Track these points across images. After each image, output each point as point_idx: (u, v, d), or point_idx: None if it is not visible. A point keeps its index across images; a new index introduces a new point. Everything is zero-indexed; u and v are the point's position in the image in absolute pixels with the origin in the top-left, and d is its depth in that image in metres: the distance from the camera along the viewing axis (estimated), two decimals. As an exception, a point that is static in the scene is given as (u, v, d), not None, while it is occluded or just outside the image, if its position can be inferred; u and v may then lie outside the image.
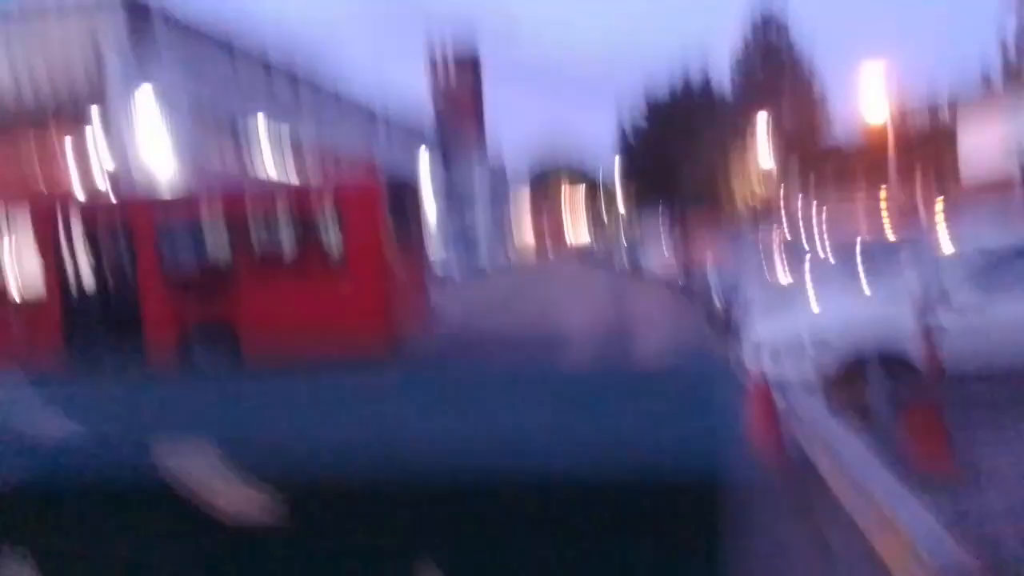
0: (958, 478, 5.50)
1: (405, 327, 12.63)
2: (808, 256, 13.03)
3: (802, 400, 5.75)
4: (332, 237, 12.26)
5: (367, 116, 46.48)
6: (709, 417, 1.73)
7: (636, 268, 32.47)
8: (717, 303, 11.92)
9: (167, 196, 15.48)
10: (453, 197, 59.38)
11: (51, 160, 30.21)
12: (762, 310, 9.38)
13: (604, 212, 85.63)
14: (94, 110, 23.91)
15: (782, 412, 5.55)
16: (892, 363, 6.43)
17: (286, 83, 36.24)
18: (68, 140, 26.72)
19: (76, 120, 24.77)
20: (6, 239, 12.80)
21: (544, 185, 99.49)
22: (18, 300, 12.42)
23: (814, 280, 10.33)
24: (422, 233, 14.37)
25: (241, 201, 13.03)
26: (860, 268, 9.88)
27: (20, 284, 12.56)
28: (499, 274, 44.57)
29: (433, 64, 62.33)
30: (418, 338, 13.72)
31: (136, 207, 13.27)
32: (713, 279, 14.34)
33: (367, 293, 11.70)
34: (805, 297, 9.27)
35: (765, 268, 13.85)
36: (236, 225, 12.13)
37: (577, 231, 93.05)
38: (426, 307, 14.01)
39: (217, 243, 12.37)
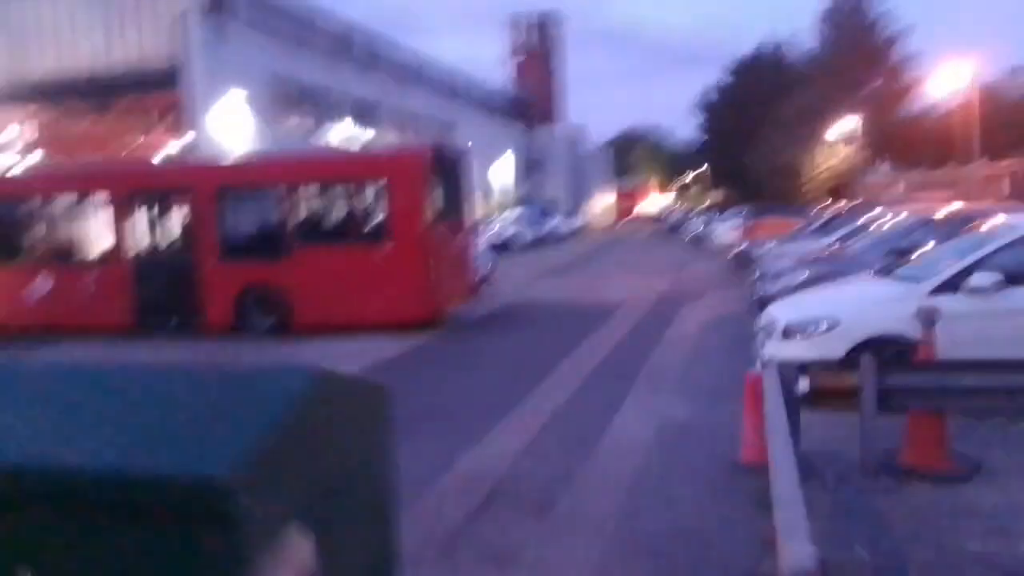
0: (956, 475, 5.42)
1: (448, 295, 12.94)
2: (862, 232, 12.64)
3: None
4: (376, 206, 12.62)
5: (445, 82, 46.77)
6: (232, 426, 1.78)
7: (702, 239, 31.87)
8: (758, 279, 11.73)
9: (228, 163, 16.16)
10: (529, 162, 59.32)
11: (131, 130, 31.88)
12: (793, 289, 9.23)
13: (681, 180, 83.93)
14: (173, 81, 24.90)
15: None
16: (897, 350, 6.31)
17: (363, 52, 36.77)
18: (148, 110, 28.10)
19: (156, 91, 25.90)
20: (84, 206, 13.75)
21: (623, 150, 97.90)
22: (94, 263, 13.35)
23: (856, 258, 10.07)
24: (469, 203, 14.57)
25: (294, 169, 13.55)
26: (902, 246, 9.59)
27: (96, 248, 13.50)
28: (567, 241, 44.45)
29: (513, 25, 61.80)
30: (463, 306, 14.07)
31: (197, 174, 13.97)
32: (768, 253, 14.06)
33: (408, 262, 12.05)
34: (840, 276, 9.07)
35: (821, 245, 13.52)
36: (289, 192, 12.62)
37: (654, 198, 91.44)
38: (471, 276, 14.26)
39: (271, 210, 12.93)
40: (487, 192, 50.93)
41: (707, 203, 50.95)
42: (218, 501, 1.64)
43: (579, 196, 64.60)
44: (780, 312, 7.70)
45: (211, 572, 1.67)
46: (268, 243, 12.74)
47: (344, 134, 32.78)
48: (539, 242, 38.62)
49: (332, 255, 12.44)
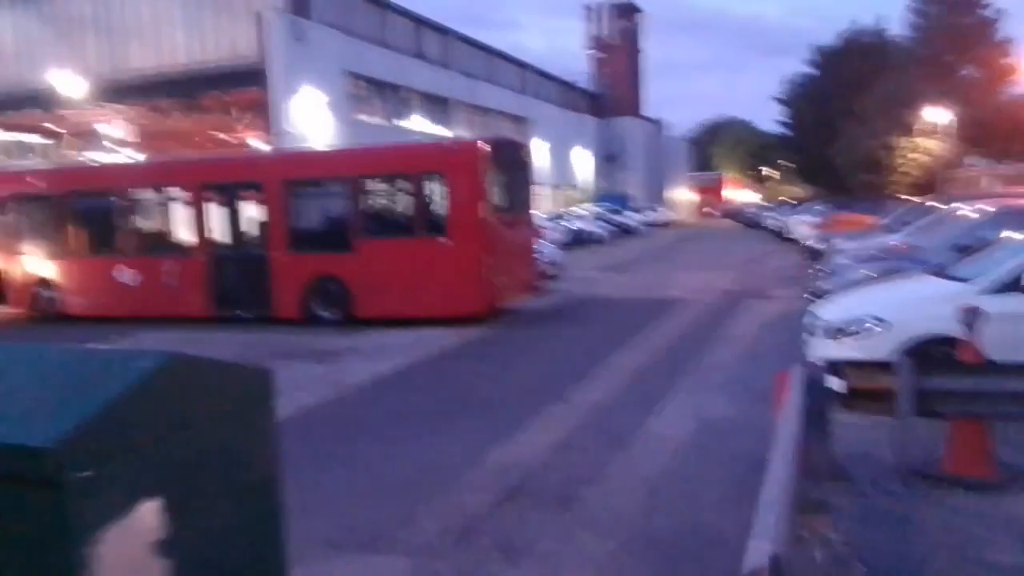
0: (997, 483, 5.18)
1: (507, 289, 13.05)
2: (933, 228, 12.07)
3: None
4: (434, 199, 12.82)
5: (519, 76, 46.85)
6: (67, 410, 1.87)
7: (779, 233, 30.97)
8: (817, 275, 11.37)
9: (295, 157, 16.70)
10: (607, 155, 58.83)
11: (218, 126, 33.21)
12: (848, 287, 8.92)
13: (766, 169, 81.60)
14: (256, 78, 25.81)
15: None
16: (946, 351, 6.04)
17: (436, 48, 37.22)
18: (233, 106, 29.24)
19: (241, 88, 26.91)
20: (164, 199, 14.48)
21: (705, 143, 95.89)
22: (174, 255, 14.04)
23: (917, 255, 9.66)
24: (530, 196, 14.63)
25: (355, 162, 13.91)
26: (966, 243, 9.15)
27: (176, 240, 14.20)
28: (647, 233, 43.94)
29: (589, 12, 61.22)
30: (524, 299, 14.16)
31: (267, 167, 14.49)
32: (833, 249, 13.61)
33: (464, 255, 12.20)
34: (897, 273, 8.73)
35: (886, 241, 13.00)
36: (351, 185, 12.97)
37: (738, 188, 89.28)
38: (532, 269, 14.33)
39: (335, 202, 13.32)
40: (563, 186, 50.84)
41: (789, 197, 49.38)
42: (44, 468, 1.77)
43: (658, 189, 63.66)
44: (827, 311, 7.49)
45: (46, 536, 1.80)
46: (332, 235, 13.13)
47: (418, 129, 33.28)
48: (614, 236, 38.34)
49: (392, 247, 12.72)
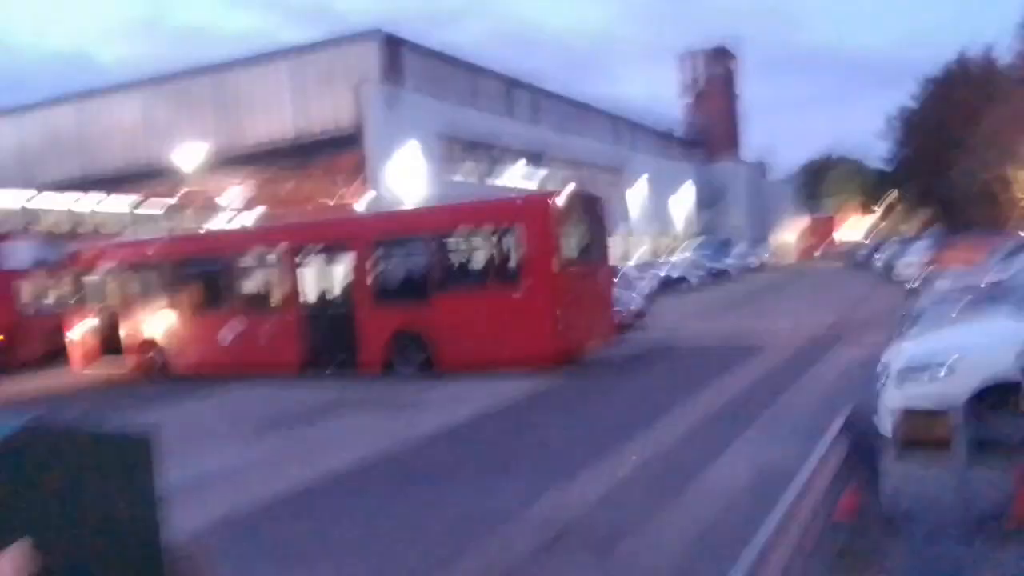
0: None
1: (583, 336, 13.07)
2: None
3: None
4: (509, 250, 13.08)
5: (613, 122, 47.27)
6: None
7: (890, 269, 29.44)
8: (906, 314, 10.78)
9: (378, 216, 17.42)
10: (704, 196, 58.08)
11: (326, 188, 35.08)
12: (934, 325, 8.45)
13: (874, 207, 78.07)
14: (357, 142, 27.29)
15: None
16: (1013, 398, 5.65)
17: (529, 98, 38.20)
18: (338, 169, 30.91)
19: (345, 151, 28.49)
20: (260, 260, 15.42)
21: (815, 178, 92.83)
22: (269, 312, 14.85)
23: (1012, 292, 9.05)
24: (606, 244, 14.69)
25: (434, 218, 14.41)
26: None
27: (271, 298, 15.05)
28: (744, 276, 42.79)
29: (683, 60, 61.30)
30: (604, 346, 14.11)
31: (353, 227, 15.20)
32: (930, 285, 12.91)
33: (538, 304, 12.35)
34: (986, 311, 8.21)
35: (986, 277, 12.22)
36: (430, 240, 13.44)
37: (847, 228, 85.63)
38: (611, 316, 14.30)
39: (416, 257, 13.82)
40: (660, 233, 50.46)
41: (901, 234, 46.98)
42: None
43: (763, 228, 62.11)
44: (901, 352, 7.13)
45: None
46: (413, 290, 13.59)
47: (511, 185, 34.03)
48: (715, 277, 37.63)
49: (468, 300, 13.03)
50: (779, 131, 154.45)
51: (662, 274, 33.95)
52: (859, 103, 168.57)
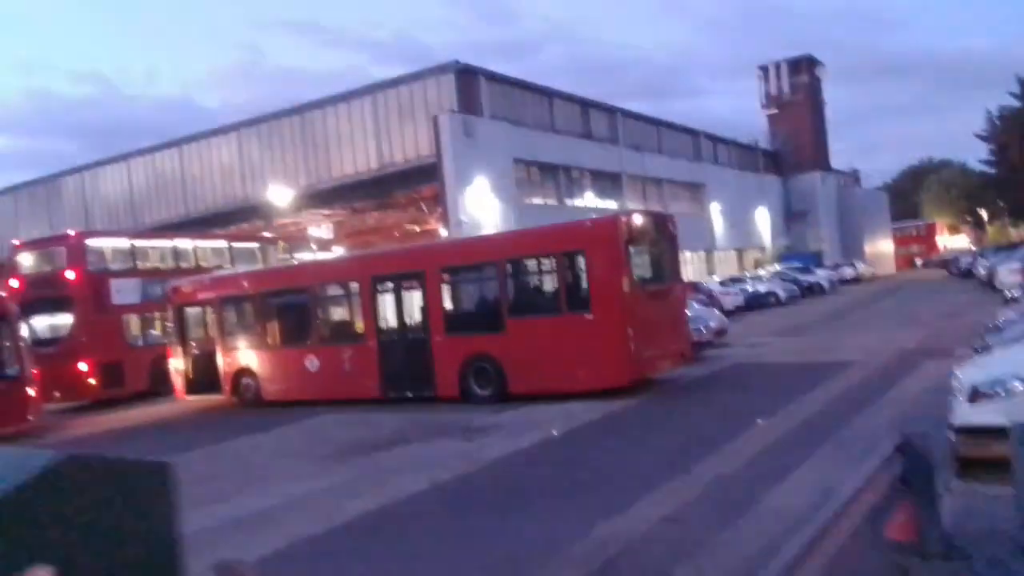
0: None
1: (654, 360, 13.01)
2: None
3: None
4: (575, 276, 13.19)
5: (691, 138, 46.74)
6: None
7: (992, 278, 27.85)
8: (990, 329, 10.27)
9: (448, 245, 17.80)
10: (791, 208, 56.47)
11: (407, 220, 36.04)
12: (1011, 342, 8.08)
13: (979, 212, 73.92)
14: (434, 171, 28.00)
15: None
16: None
17: (606, 119, 38.27)
18: (418, 201, 31.78)
19: (423, 184, 29.28)
20: (337, 293, 16.07)
21: (911, 185, 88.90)
22: (348, 343, 15.43)
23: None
24: (677, 265, 14.59)
25: (502, 246, 14.69)
26: None
27: (350, 330, 15.64)
28: (837, 289, 41.28)
29: (765, 72, 60.01)
30: (677, 368, 14.00)
31: (424, 257, 15.63)
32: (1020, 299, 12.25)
33: (607, 329, 12.39)
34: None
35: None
36: (498, 268, 13.69)
37: (950, 235, 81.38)
38: (684, 338, 14.16)
39: (485, 285, 14.11)
40: (745, 248, 49.36)
41: (1012, 235, 44.28)
42: None
43: (855, 243, 59.77)
44: (971, 370, 6.87)
45: None
46: (485, 316, 13.88)
47: (589, 206, 34.10)
48: (806, 291, 36.50)
49: (539, 325, 13.19)
50: (874, 139, 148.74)
51: (749, 289, 33.22)
52: (959, 108, 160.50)
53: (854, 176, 73.18)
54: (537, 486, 8.03)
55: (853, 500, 5.10)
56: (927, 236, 76.99)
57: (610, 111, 38.72)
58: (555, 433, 10.47)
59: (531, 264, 13.99)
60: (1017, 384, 6.17)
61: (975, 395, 6.44)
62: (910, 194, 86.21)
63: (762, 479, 7.23)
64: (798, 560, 3.86)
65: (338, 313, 16.21)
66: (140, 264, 21.78)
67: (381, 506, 7.68)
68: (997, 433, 4.95)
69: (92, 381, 19.42)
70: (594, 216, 15.18)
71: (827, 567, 4.20)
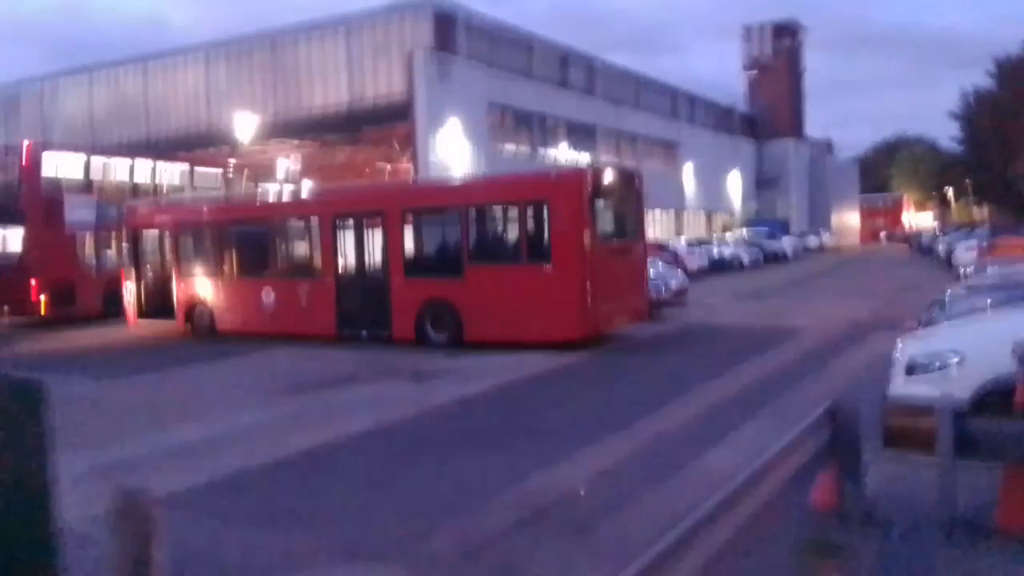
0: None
1: (611, 316, 13.06)
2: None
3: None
4: (538, 227, 13.10)
5: (670, 96, 46.40)
6: None
7: (945, 260, 28.43)
8: (933, 303, 10.45)
9: (411, 187, 17.54)
10: (763, 174, 56.74)
11: (376, 158, 35.41)
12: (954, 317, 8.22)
13: (945, 191, 75.07)
14: (407, 114, 27.44)
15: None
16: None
17: (584, 70, 37.74)
18: (389, 140, 31.18)
19: (394, 123, 28.69)
20: (298, 229, 15.80)
21: (883, 160, 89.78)
22: (306, 280, 15.24)
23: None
24: (641, 223, 14.57)
25: (465, 192, 14.51)
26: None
27: (308, 266, 15.43)
28: (802, 258, 41.83)
29: (748, 32, 59.52)
30: (634, 326, 14.09)
31: (386, 198, 15.40)
32: (970, 276, 12.48)
33: (566, 282, 12.36)
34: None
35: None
36: (460, 214, 13.52)
37: (915, 212, 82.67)
38: (642, 297, 14.22)
39: (446, 230, 13.96)
40: (715, 210, 49.60)
41: (969, 220, 45.15)
42: None
43: (826, 208, 60.42)
44: (911, 344, 6.97)
45: None
46: (444, 261, 13.76)
47: (560, 158, 33.84)
48: (771, 258, 36.90)
49: (498, 274, 13.12)
50: (849, 110, 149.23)
51: (714, 252, 33.48)
52: (936, 85, 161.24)
53: (827, 146, 73.61)
54: (479, 433, 8.06)
55: (779, 462, 5.20)
56: (893, 211, 78.15)
57: (589, 61, 38.19)
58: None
59: (494, 212, 13.85)
60: (953, 359, 6.28)
61: (912, 368, 6.56)
62: (881, 168, 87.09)
63: (699, 439, 7.34)
64: (716, 516, 3.92)
65: (297, 248, 15.97)
66: (99, 183, 21.16)
67: (323, 442, 7.66)
68: (927, 410, 5.03)
69: (41, 299, 19.00)
70: (565, 167, 14.99)
71: (746, 526, 4.29)
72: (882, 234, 70.61)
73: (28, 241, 19.45)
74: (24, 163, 19.64)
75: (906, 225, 73.74)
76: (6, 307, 18.51)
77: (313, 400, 9.88)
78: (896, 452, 5.18)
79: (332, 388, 10.60)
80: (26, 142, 20.69)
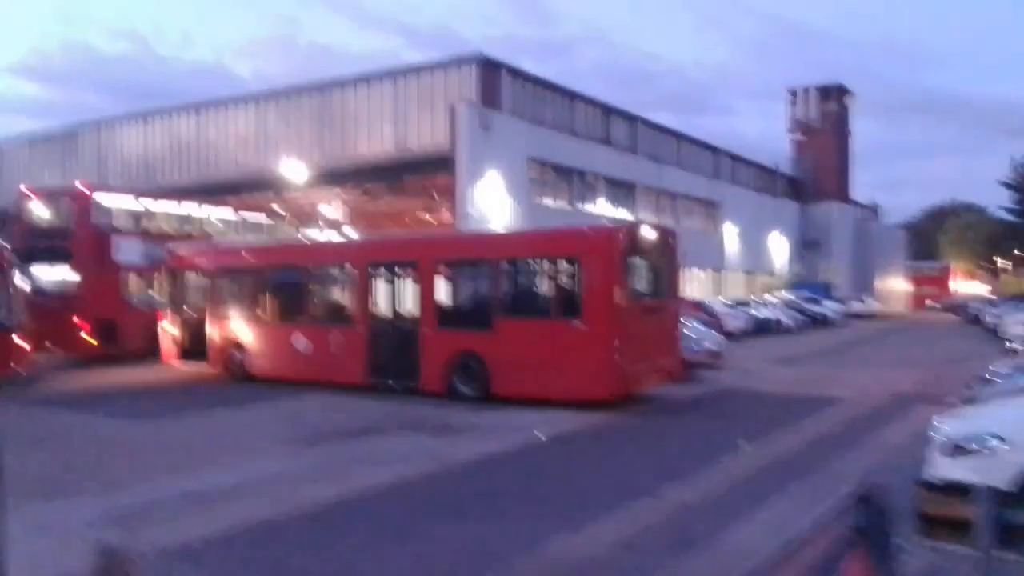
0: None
1: (642, 376, 12.81)
2: None
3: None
4: (569, 283, 12.99)
5: (712, 155, 46.38)
6: None
7: (998, 329, 27.50)
8: (979, 379, 10.02)
9: (446, 238, 17.61)
10: (806, 237, 56.05)
11: (417, 207, 35.86)
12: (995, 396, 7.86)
13: (996, 260, 73.20)
14: (447, 161, 27.81)
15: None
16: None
17: (626, 127, 38.00)
18: (429, 190, 31.58)
19: (436, 174, 29.09)
20: (332, 275, 15.93)
21: (931, 226, 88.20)
22: (339, 324, 15.29)
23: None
24: (675, 282, 14.39)
25: (498, 245, 14.53)
26: None
27: (342, 312, 15.50)
28: (846, 323, 40.90)
29: (794, 96, 59.55)
30: (667, 386, 13.80)
31: (420, 248, 15.48)
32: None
33: (596, 339, 12.18)
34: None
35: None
36: (492, 267, 13.53)
37: (968, 279, 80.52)
38: (675, 357, 13.94)
39: (478, 282, 13.95)
40: (756, 271, 49.02)
41: (1020, 292, 43.82)
42: None
43: (867, 278, 59.28)
44: (951, 423, 6.64)
45: None
46: (474, 313, 13.70)
47: (599, 213, 33.88)
48: (806, 326, 36.12)
49: (529, 328, 13.00)
50: (898, 175, 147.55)
51: (754, 314, 32.93)
52: (987, 152, 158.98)
53: (874, 210, 72.62)
54: (499, 493, 7.86)
55: (804, 545, 4.94)
56: (941, 279, 76.26)
57: (631, 119, 38.45)
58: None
59: (527, 265, 13.82)
60: (994, 442, 5.96)
61: (950, 449, 6.23)
62: (930, 234, 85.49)
63: (726, 511, 7.05)
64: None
65: (331, 295, 16.09)
66: (147, 224, 21.73)
67: (340, 496, 7.54)
68: (964, 492, 4.75)
69: (86, 337, 19.37)
70: (599, 223, 14.94)
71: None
72: (929, 302, 68.94)
73: (76, 279, 19.93)
74: (76, 203, 20.28)
75: (953, 293, 71.86)
76: (51, 344, 18.89)
77: (335, 451, 9.79)
78: (931, 540, 4.90)
79: (356, 438, 10.51)
80: (78, 183, 21.39)
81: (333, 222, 33.42)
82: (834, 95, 58.65)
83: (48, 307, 19.00)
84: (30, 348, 16.24)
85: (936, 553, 5.12)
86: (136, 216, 21.68)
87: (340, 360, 14.98)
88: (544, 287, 13.44)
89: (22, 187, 22.56)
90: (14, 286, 16.19)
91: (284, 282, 16.41)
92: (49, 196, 21.81)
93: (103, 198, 21.17)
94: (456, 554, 6.02)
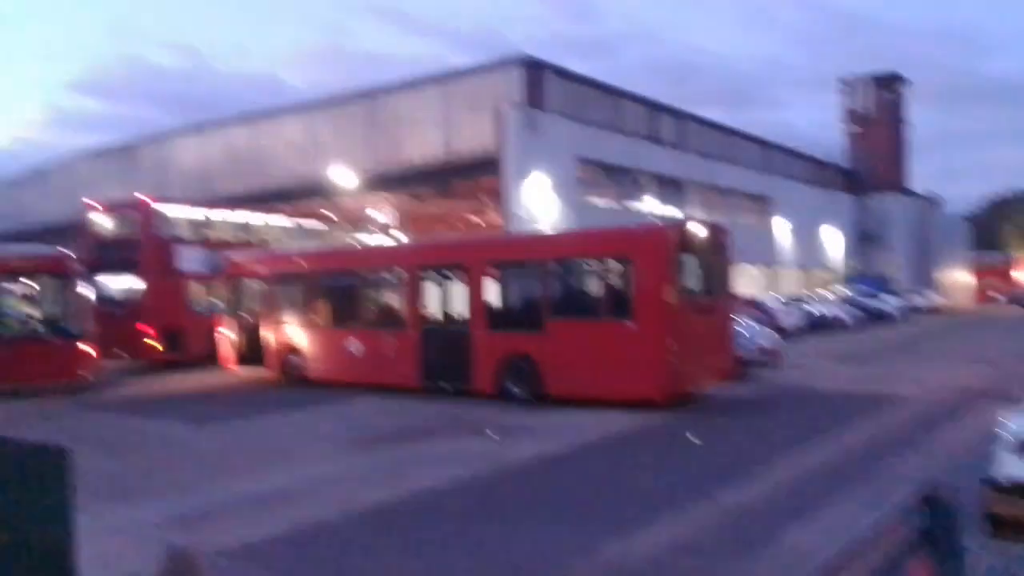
0: None
1: (695, 375, 12.67)
2: None
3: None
4: (620, 283, 12.91)
5: (762, 149, 45.58)
6: None
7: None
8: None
9: (495, 240, 17.63)
10: (863, 230, 54.62)
11: (466, 210, 36.06)
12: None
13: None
14: (495, 163, 27.93)
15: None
16: None
17: (674, 124, 37.62)
18: (478, 193, 31.74)
19: (484, 176, 29.23)
20: (385, 279, 16.15)
21: (995, 216, 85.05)
22: (392, 328, 15.48)
23: None
24: (727, 279, 14.19)
25: (549, 246, 14.51)
26: None
27: (395, 315, 15.69)
28: (909, 319, 39.74)
29: (846, 85, 58.05)
30: (721, 386, 13.63)
31: (470, 251, 15.57)
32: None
33: (648, 340, 12.09)
34: None
35: None
36: (543, 268, 13.55)
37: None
38: (728, 356, 13.75)
39: (529, 284, 13.97)
40: (810, 266, 47.99)
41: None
42: None
43: (928, 271, 57.47)
44: (1019, 421, 6.41)
45: None
46: (525, 315, 13.72)
47: (649, 211, 33.59)
48: (865, 322, 35.22)
49: (580, 329, 12.98)
50: (959, 164, 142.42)
51: (811, 310, 32.25)
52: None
53: (934, 201, 70.40)
54: (554, 495, 7.87)
55: (866, 548, 4.83)
56: (1005, 270, 73.45)
57: (679, 115, 38.03)
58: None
59: (577, 266, 13.78)
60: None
61: (1018, 447, 6.00)
62: (993, 224, 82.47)
63: (786, 513, 6.94)
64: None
65: (384, 299, 16.29)
66: (208, 234, 22.35)
67: (395, 498, 7.65)
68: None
69: (151, 343, 20.03)
70: (654, 221, 14.82)
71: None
72: (993, 294, 66.41)
73: (141, 289, 20.61)
74: (140, 214, 20.98)
75: (1019, 284, 69.07)
76: (118, 351, 19.58)
77: (391, 453, 9.93)
78: (999, 541, 4.74)
79: (410, 441, 10.64)
80: (142, 196, 22.12)
81: (383, 226, 33.84)
82: (889, 84, 57.00)
83: (114, 315, 19.70)
84: (97, 354, 16.89)
85: (1003, 555, 4.95)
86: (196, 225, 22.33)
87: (393, 363, 15.16)
88: (595, 288, 13.39)
89: (86, 200, 23.42)
90: (81, 295, 16.85)
91: (337, 287, 16.70)
92: (112, 208, 22.59)
93: (165, 208, 21.85)
94: (511, 556, 6.05)
